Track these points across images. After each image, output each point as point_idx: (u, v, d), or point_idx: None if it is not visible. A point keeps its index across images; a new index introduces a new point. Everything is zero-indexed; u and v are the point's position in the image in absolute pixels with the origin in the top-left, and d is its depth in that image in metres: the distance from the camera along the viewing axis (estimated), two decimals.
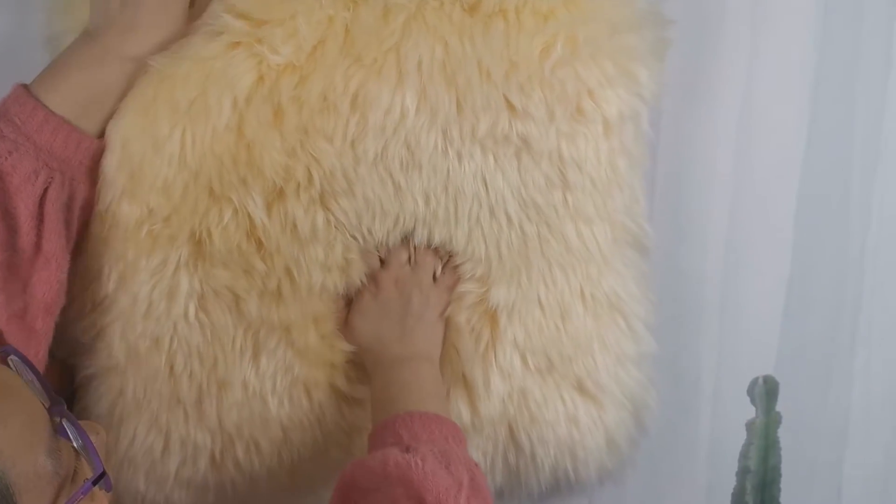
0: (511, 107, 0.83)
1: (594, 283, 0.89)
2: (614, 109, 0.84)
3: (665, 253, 0.96)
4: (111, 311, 0.86)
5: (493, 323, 0.90)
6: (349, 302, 0.89)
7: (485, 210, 0.86)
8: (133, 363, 0.87)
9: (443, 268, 0.89)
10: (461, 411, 0.91)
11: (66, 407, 0.65)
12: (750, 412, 1.12)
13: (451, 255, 0.89)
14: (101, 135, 0.82)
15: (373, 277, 0.88)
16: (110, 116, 0.81)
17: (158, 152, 0.81)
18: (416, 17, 0.82)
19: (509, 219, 0.87)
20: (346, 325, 0.88)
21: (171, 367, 0.87)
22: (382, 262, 0.89)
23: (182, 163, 0.82)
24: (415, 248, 0.88)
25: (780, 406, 1.12)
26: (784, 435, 1.12)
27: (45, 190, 0.78)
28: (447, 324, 0.90)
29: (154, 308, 0.85)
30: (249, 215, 0.83)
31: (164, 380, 0.87)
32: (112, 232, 0.84)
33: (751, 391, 1.11)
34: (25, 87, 0.80)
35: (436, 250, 0.89)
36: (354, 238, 0.86)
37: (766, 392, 1.11)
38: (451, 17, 0.82)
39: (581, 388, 0.91)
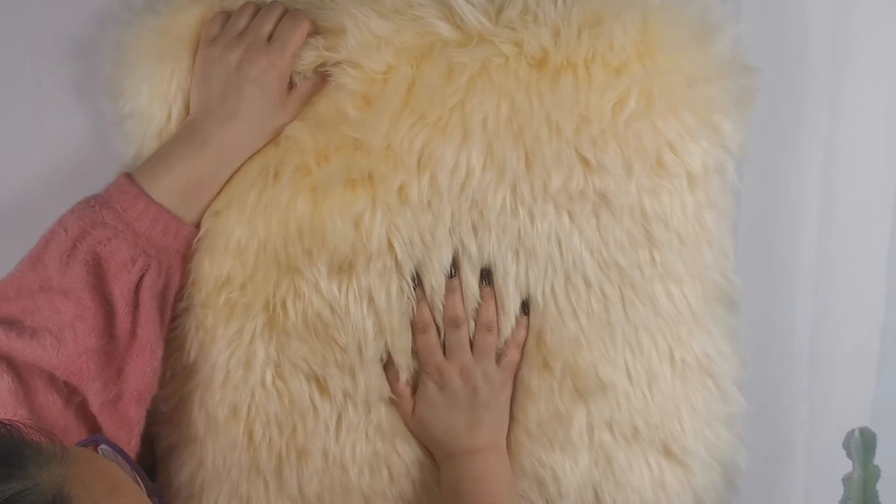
0: (584, 161, 0.81)
1: (684, 346, 0.85)
2: (698, 162, 0.81)
3: (750, 302, 0.93)
4: (191, 380, 0.87)
5: (578, 403, 0.86)
6: (413, 389, 0.87)
7: (560, 276, 0.83)
8: (212, 432, 0.87)
9: (505, 342, 0.85)
10: (546, 479, 0.88)
11: (163, 497, 0.66)
12: (846, 466, 1.08)
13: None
14: (199, 223, 0.84)
15: (437, 367, 0.85)
16: (209, 205, 0.84)
17: (228, 206, 0.83)
18: (481, 75, 0.81)
19: (588, 283, 0.83)
20: (413, 417, 0.86)
21: (250, 436, 0.86)
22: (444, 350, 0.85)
23: (251, 227, 0.83)
24: (475, 323, 0.84)
25: (878, 459, 1.08)
26: (884, 489, 1.08)
27: (142, 277, 0.79)
28: (523, 419, 0.87)
29: (231, 376, 0.85)
30: (319, 288, 0.83)
31: (243, 449, 0.86)
32: (195, 297, 0.85)
33: (846, 444, 1.08)
34: (129, 175, 0.82)
35: (496, 316, 0.85)
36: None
37: (862, 445, 1.07)
38: (516, 73, 0.80)
39: (667, 453, 0.87)
